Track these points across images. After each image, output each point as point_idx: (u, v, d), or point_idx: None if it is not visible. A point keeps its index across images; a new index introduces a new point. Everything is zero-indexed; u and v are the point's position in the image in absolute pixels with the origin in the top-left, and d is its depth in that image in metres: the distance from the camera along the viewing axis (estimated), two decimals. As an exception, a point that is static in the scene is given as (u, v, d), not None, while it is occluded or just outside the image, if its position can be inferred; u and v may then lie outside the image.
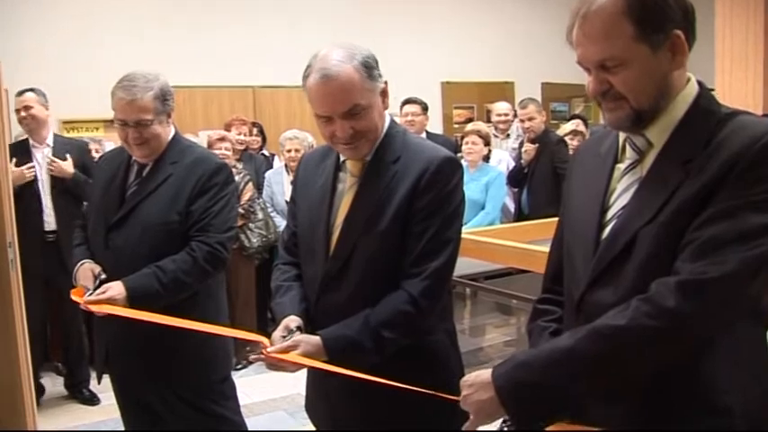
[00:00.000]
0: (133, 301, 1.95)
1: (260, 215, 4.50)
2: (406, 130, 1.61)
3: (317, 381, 1.73)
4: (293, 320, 1.54)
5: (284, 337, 1.49)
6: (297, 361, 1.43)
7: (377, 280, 1.51)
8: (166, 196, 2.08)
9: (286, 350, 1.45)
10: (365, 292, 1.51)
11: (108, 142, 5.16)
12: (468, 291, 5.87)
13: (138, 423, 2.28)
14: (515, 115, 5.39)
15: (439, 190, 1.48)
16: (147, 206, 2.08)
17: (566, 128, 5.31)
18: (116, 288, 1.96)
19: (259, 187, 4.85)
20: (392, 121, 1.59)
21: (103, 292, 1.94)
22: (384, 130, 1.56)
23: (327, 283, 1.56)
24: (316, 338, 1.46)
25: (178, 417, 2.19)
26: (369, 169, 1.56)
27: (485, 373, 1.18)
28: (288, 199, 4.67)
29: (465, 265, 3.68)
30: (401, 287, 1.48)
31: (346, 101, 1.45)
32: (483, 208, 4.67)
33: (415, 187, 1.49)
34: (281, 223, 4.64)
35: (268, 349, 1.45)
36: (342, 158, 1.61)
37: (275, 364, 1.44)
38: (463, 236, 4.17)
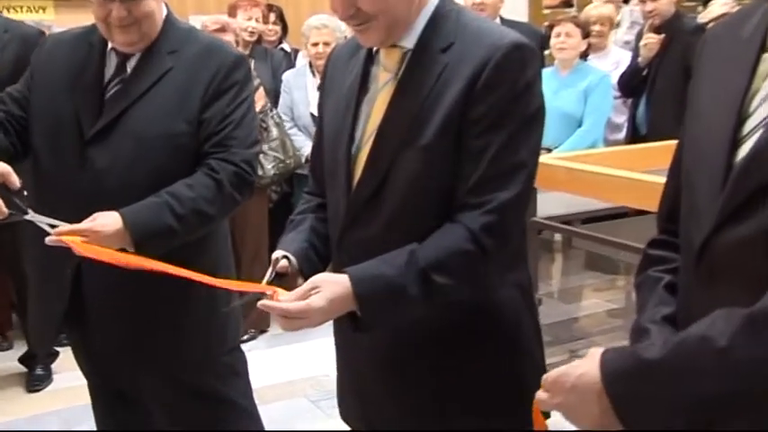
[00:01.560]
0: (139, 241, 1.96)
1: (274, 132, 4.52)
2: (462, 9, 1.62)
3: (346, 373, 1.78)
4: (277, 256, 1.61)
5: (271, 282, 1.55)
6: (291, 309, 1.45)
7: (418, 214, 1.53)
8: (169, 98, 2.09)
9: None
10: (402, 231, 1.53)
11: (59, 29, 5.00)
12: (559, 239, 5.84)
13: (111, 414, 2.34)
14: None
15: (506, 90, 1.48)
16: (141, 112, 2.08)
17: (711, 11, 4.95)
18: (107, 220, 1.95)
19: (275, 95, 4.86)
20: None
21: (88, 221, 1.93)
22: (428, 10, 1.57)
23: (353, 216, 1.59)
24: (341, 279, 1.48)
25: (168, 404, 2.25)
26: (410, 61, 1.56)
27: (589, 373, 1.15)
28: (312, 111, 4.69)
29: (554, 203, 3.65)
30: (457, 221, 1.50)
31: None
32: (580, 125, 4.63)
33: (472, 85, 1.48)
34: (303, 144, 4.67)
35: (261, 302, 1.49)
36: (375, 49, 1.63)
37: (287, 319, 1.46)
38: (551, 162, 4.10)
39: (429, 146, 1.50)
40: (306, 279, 1.53)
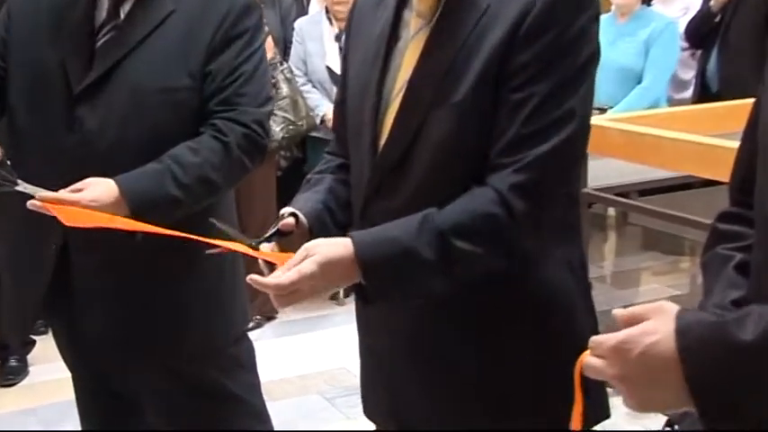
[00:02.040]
0: (137, 213, 1.96)
1: (284, 89, 4.55)
2: None
3: (370, 363, 1.80)
4: (284, 212, 1.64)
5: (268, 238, 1.58)
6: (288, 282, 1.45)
7: (451, 181, 1.54)
8: (169, 47, 2.09)
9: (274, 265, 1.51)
10: (432, 200, 1.53)
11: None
12: (613, 213, 5.83)
13: (99, 412, 2.36)
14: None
15: (555, 36, 1.49)
16: (137, 64, 2.09)
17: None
18: (100, 189, 1.96)
19: (284, 45, 4.88)
20: None
21: (78, 191, 1.94)
22: None
23: (377, 183, 1.61)
24: (341, 241, 1.50)
25: (165, 400, 2.26)
26: (446, 5, 1.58)
27: (662, 342, 1.09)
28: (329, 64, 4.72)
29: (607, 172, 3.66)
30: (485, 183, 1.51)
31: None
32: (640, 81, 4.62)
33: (515, 31, 1.49)
34: (317, 102, 4.69)
35: (250, 277, 1.48)
36: None
37: (281, 296, 1.47)
38: (605, 124, 4.09)
39: (463, 102, 1.52)
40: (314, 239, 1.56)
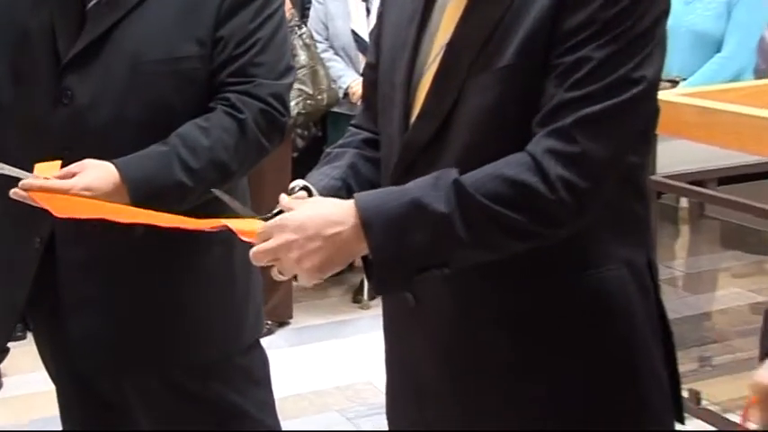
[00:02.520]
0: (139, 203, 1.96)
1: (302, 57, 4.56)
2: None
3: (398, 372, 1.81)
4: (295, 185, 1.67)
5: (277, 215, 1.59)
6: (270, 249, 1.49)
7: (498, 154, 1.54)
8: (173, 9, 2.11)
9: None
10: (478, 167, 1.53)
11: None
12: (686, 205, 5.78)
13: (88, 428, 2.40)
14: None
15: None
16: (136, 28, 2.11)
17: None
18: (97, 174, 1.98)
19: (302, 6, 4.93)
20: None
21: (70, 176, 1.96)
22: None
23: (409, 162, 1.62)
24: (340, 201, 1.53)
25: (164, 416, 2.29)
26: None
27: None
28: (355, 27, 4.74)
29: (680, 156, 3.66)
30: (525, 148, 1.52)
31: None
32: (719, 49, 4.61)
33: None
34: (341, 72, 4.70)
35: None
36: None
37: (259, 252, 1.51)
38: (677, 99, 4.05)
39: (508, 68, 1.54)
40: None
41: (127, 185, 1.97)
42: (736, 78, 4.46)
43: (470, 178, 1.49)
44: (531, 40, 1.52)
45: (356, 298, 4.73)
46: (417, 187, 1.50)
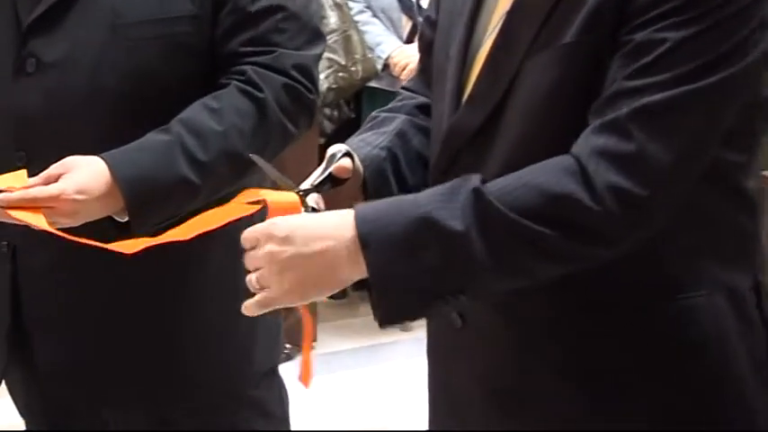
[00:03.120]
0: (135, 207, 2.00)
1: (332, 21, 4.60)
2: None
3: (445, 408, 1.82)
4: (335, 151, 1.69)
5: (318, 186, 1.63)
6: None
7: (553, 151, 1.54)
8: None
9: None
10: (530, 162, 1.53)
11: None
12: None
13: None
14: None
15: None
16: None
17: None
18: (87, 173, 1.98)
19: None
20: None
21: (54, 179, 1.95)
22: None
23: (456, 148, 1.64)
24: (342, 216, 1.51)
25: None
26: None
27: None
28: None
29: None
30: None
31: None
32: None
33: None
34: (380, 39, 4.74)
35: None
36: None
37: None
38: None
39: (571, 46, 1.55)
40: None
41: (119, 185, 1.97)
42: None
43: (496, 186, 1.49)
44: (598, 12, 1.52)
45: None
46: (429, 199, 1.50)
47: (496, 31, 1.62)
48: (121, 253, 1.89)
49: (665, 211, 1.51)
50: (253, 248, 1.52)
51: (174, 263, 2.14)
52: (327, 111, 4.71)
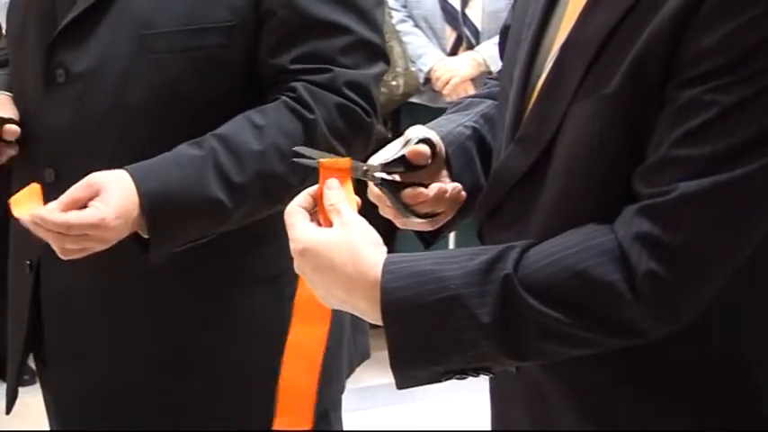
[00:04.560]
0: (158, 224, 1.99)
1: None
2: None
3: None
4: (412, 136, 1.69)
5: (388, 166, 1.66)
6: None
7: (600, 202, 1.55)
8: None
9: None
10: (576, 217, 1.53)
11: None
12: None
13: None
14: None
15: (763, 11, 1.45)
16: None
17: None
18: (121, 190, 1.96)
19: None
20: None
21: (82, 202, 1.91)
22: None
23: (502, 192, 1.64)
24: (368, 272, 1.50)
25: None
26: None
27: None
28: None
29: None
30: (614, 225, 1.52)
31: None
32: None
33: (693, 5, 1.45)
34: (423, 51, 4.70)
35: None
36: None
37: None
38: None
39: (614, 96, 1.52)
40: (453, 178, 1.67)
41: (141, 199, 1.95)
42: None
43: (532, 268, 1.50)
44: (643, 61, 1.51)
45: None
46: (462, 277, 1.49)
47: (552, 61, 1.63)
48: (155, 278, 1.98)
49: (702, 303, 1.51)
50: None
51: (213, 290, 2.14)
52: None
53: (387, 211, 1.73)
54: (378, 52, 2.20)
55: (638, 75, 1.52)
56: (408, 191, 1.67)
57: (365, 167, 1.63)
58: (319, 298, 1.58)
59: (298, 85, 2.09)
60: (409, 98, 4.68)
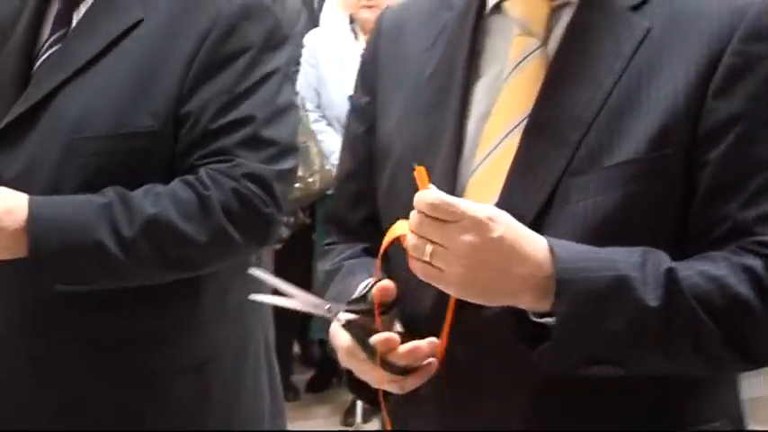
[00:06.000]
0: (37, 251, 1.97)
1: None
2: None
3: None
4: (369, 282, 1.62)
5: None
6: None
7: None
8: (127, 73, 2.11)
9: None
10: None
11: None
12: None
13: None
14: None
15: None
16: (79, 94, 2.11)
17: None
18: (7, 201, 1.97)
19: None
20: None
21: None
22: None
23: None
24: (539, 247, 1.47)
25: None
26: (575, 22, 1.62)
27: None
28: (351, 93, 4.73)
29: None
30: (734, 249, 1.51)
31: None
32: None
33: (710, 68, 1.52)
34: (335, 148, 4.66)
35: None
36: (492, 3, 1.68)
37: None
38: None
39: (635, 162, 1.53)
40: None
41: (29, 224, 1.95)
42: None
43: (685, 272, 1.47)
44: (667, 130, 1.53)
45: (347, 420, 4.71)
46: (624, 260, 1.47)
47: (499, 151, 1.60)
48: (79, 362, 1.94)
49: None
50: (451, 222, 1.41)
51: (136, 378, 2.11)
52: (285, 218, 4.67)
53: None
54: (284, 150, 2.15)
55: (664, 139, 1.53)
56: (376, 336, 1.56)
57: (327, 306, 1.59)
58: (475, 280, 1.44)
59: (201, 169, 2.07)
60: (326, 192, 4.64)
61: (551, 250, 1.44)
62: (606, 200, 1.53)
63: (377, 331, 1.54)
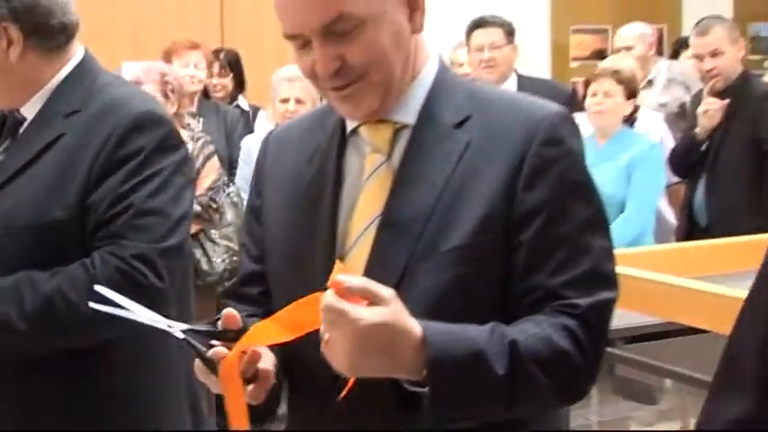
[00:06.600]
0: None
1: (229, 216, 4.90)
2: (468, 79, 1.90)
3: None
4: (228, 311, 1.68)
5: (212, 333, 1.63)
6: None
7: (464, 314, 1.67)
8: (46, 177, 2.26)
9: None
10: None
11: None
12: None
13: None
14: (660, 45, 5.70)
15: (566, 168, 1.68)
16: (13, 194, 2.28)
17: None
18: None
19: (230, 164, 5.43)
20: (441, 64, 1.82)
21: None
22: (424, 80, 1.78)
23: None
24: (412, 333, 1.54)
25: None
26: (412, 140, 1.74)
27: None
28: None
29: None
30: (549, 311, 1.64)
31: (324, 7, 1.63)
32: (622, 210, 5.00)
33: (518, 168, 1.66)
34: None
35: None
36: (350, 124, 1.81)
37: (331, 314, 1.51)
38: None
39: (465, 247, 1.66)
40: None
41: None
42: (636, 241, 4.85)
43: (522, 337, 1.59)
44: (487, 220, 1.67)
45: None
46: (480, 337, 1.57)
47: (361, 242, 1.75)
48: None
49: None
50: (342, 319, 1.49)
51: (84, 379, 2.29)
52: (226, 284, 4.86)
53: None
54: (169, 231, 2.27)
55: (486, 227, 1.63)
56: (214, 349, 1.59)
57: (168, 323, 1.63)
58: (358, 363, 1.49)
59: (95, 252, 2.20)
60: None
61: (423, 338, 1.52)
62: (443, 280, 1.66)
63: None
